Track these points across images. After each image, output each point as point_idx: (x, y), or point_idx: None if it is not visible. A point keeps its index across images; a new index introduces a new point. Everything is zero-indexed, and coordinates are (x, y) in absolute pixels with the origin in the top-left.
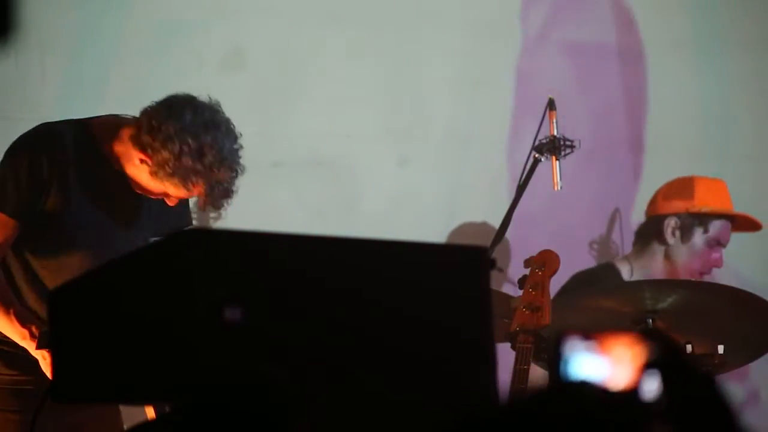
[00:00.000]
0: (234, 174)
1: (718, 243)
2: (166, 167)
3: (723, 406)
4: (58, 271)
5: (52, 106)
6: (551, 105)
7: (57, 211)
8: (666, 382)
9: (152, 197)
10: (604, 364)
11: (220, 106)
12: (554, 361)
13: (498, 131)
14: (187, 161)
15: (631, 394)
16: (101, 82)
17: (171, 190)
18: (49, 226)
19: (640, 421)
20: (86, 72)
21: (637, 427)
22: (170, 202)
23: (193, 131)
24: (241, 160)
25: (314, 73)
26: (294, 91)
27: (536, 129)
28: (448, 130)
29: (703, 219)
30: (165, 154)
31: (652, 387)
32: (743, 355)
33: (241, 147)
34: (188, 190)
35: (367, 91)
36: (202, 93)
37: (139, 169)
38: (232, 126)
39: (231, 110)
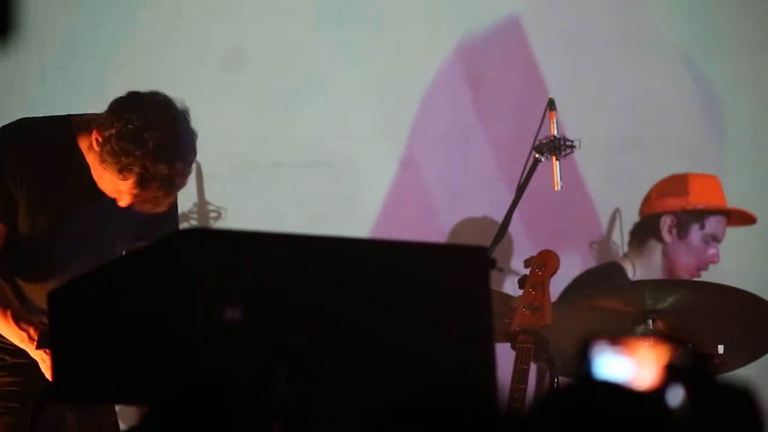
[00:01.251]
0: (173, 171)
1: (714, 239)
2: (109, 145)
3: (748, 415)
4: (38, 281)
5: (52, 106)
6: (551, 105)
7: (31, 209)
8: (690, 388)
9: (107, 195)
10: (629, 367)
11: (187, 111)
12: (581, 362)
13: (498, 131)
14: (126, 143)
15: (655, 395)
16: (101, 82)
17: (108, 176)
18: (24, 229)
19: (662, 422)
20: (86, 72)
21: (659, 428)
22: (120, 202)
23: (142, 115)
24: (191, 164)
25: (314, 73)
26: (294, 91)
27: (536, 129)
28: (448, 130)
29: (699, 215)
30: (111, 130)
31: (677, 392)
32: (743, 355)
33: (194, 152)
34: (122, 174)
35: (367, 91)
36: (202, 93)
37: (96, 161)
38: (189, 129)
39: (231, 110)
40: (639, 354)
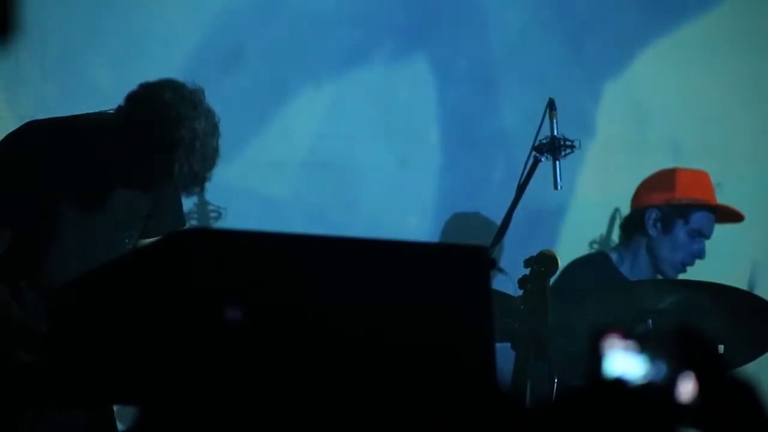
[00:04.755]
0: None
1: (699, 234)
2: (189, 179)
3: (755, 408)
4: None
5: (52, 106)
6: (551, 105)
7: (47, 213)
8: (701, 383)
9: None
10: (640, 362)
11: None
12: (591, 358)
13: (497, 131)
14: (201, 166)
15: (666, 391)
16: (101, 82)
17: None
18: (41, 231)
19: (672, 417)
20: (86, 72)
21: (670, 424)
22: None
23: (170, 145)
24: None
25: (314, 73)
26: (294, 91)
27: (536, 129)
28: (448, 130)
29: (684, 210)
30: (156, 165)
31: (687, 387)
32: (743, 355)
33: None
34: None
35: (367, 91)
36: None
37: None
38: (195, 104)
39: (231, 110)
40: (649, 348)
